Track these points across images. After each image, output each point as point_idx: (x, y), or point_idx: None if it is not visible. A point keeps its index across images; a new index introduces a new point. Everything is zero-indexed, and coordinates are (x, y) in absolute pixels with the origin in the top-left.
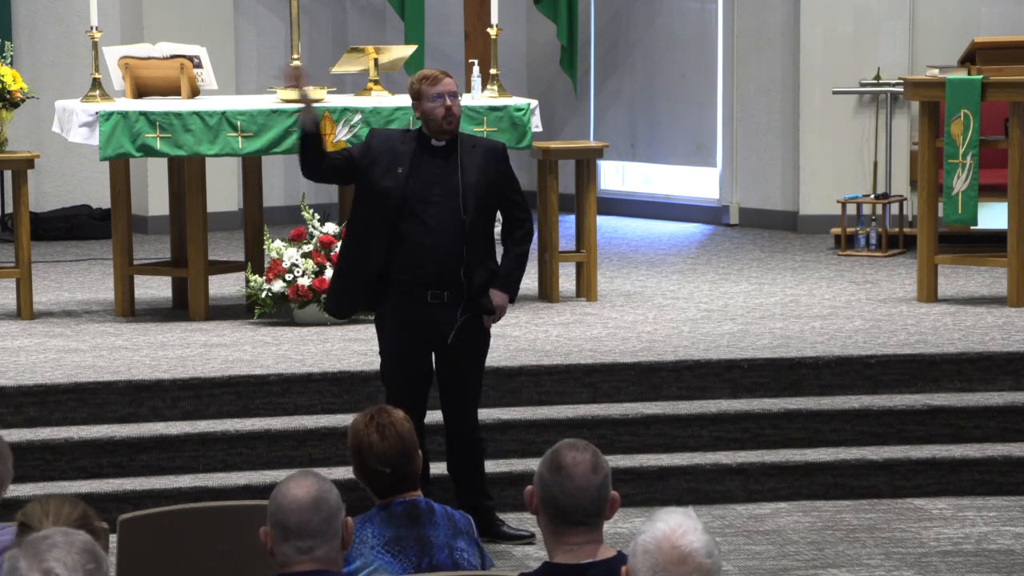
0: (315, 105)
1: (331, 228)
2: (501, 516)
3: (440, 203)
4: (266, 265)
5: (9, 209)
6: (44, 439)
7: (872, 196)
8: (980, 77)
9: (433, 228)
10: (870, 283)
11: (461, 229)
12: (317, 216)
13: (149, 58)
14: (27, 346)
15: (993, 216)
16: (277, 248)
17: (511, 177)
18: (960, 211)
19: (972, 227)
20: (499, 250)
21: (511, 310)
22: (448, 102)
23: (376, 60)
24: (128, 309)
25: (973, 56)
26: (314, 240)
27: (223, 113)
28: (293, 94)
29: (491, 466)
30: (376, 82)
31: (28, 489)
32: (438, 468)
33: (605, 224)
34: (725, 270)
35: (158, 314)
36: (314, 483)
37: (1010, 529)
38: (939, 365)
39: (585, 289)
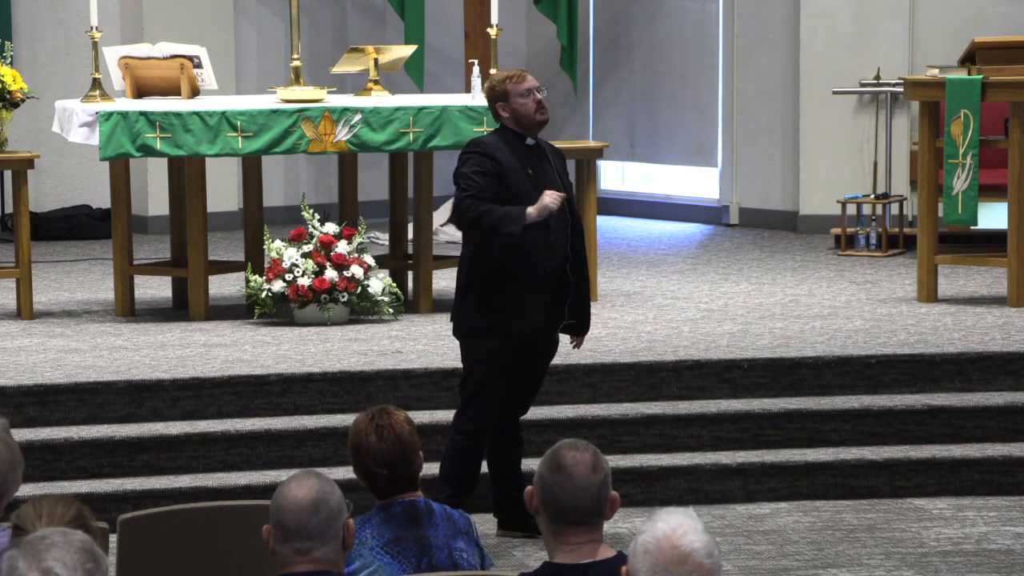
0: (314, 105)
1: (331, 228)
2: None
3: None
4: (266, 265)
5: (9, 209)
6: (44, 439)
7: (872, 196)
8: (980, 77)
9: (552, 227)
10: (870, 283)
11: (567, 228)
12: (317, 216)
13: (149, 58)
14: (27, 346)
15: (993, 216)
16: (277, 248)
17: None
18: (960, 211)
19: (972, 227)
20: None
21: None
22: (541, 95)
23: (376, 60)
24: (128, 309)
25: (973, 56)
26: (314, 240)
27: (223, 113)
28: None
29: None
30: (376, 82)
31: (28, 489)
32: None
33: (605, 224)
34: (725, 270)
35: (158, 314)
36: (315, 484)
37: (1010, 529)
38: (939, 365)
39: None
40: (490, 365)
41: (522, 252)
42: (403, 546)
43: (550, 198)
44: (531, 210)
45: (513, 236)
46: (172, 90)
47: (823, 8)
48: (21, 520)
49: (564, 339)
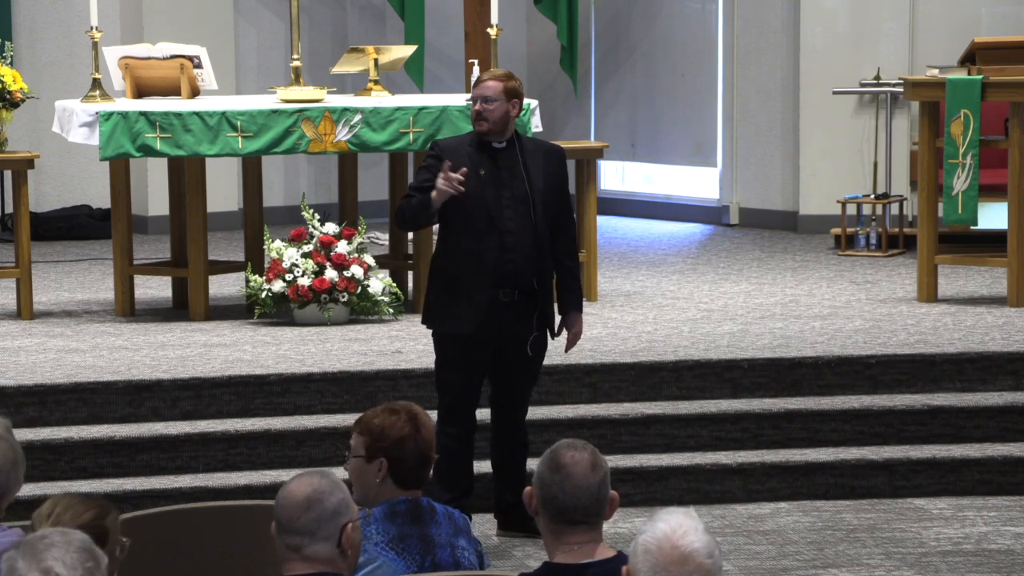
0: (314, 105)
1: (331, 228)
2: None
3: (512, 207)
4: (266, 265)
5: (9, 209)
6: (44, 439)
7: (872, 196)
8: (980, 77)
9: (511, 230)
10: (870, 283)
11: (533, 234)
12: (317, 216)
13: (149, 58)
14: (27, 346)
15: (993, 216)
16: (277, 248)
17: (566, 182)
18: (960, 211)
19: (972, 227)
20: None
21: None
22: (478, 105)
23: (376, 60)
24: (128, 309)
25: (973, 56)
26: (314, 240)
27: (223, 113)
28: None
29: (489, 466)
30: (376, 82)
31: (28, 489)
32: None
33: (605, 224)
34: (725, 270)
35: (158, 314)
36: (315, 483)
37: (1010, 529)
38: (939, 365)
39: (585, 289)
40: (449, 366)
41: (470, 255)
42: (408, 543)
43: (440, 182)
44: (433, 194)
45: (430, 215)
46: (172, 90)
47: (823, 8)
48: (33, 518)
49: (561, 339)
